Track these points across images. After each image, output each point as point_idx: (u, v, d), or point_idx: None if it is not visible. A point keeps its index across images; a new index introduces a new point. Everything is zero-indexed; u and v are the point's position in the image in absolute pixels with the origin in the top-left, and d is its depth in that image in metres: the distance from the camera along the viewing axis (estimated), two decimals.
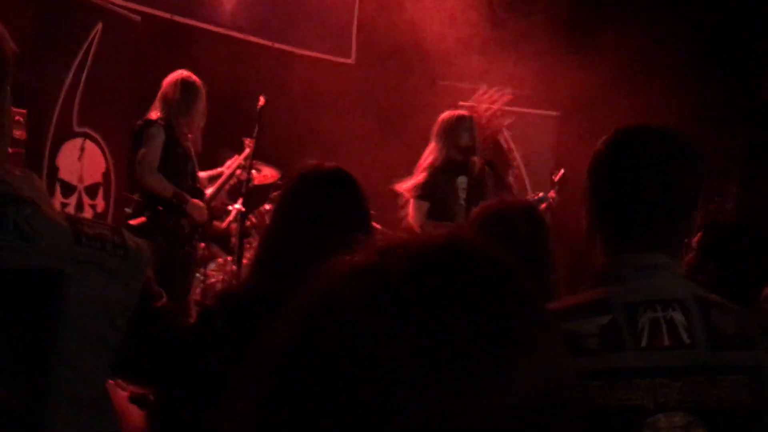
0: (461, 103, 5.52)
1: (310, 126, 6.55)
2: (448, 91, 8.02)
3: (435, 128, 4.94)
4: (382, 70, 7.42)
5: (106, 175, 5.26)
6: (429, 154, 4.90)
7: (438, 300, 0.61)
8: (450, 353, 0.58)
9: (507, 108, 7.55)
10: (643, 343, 1.35)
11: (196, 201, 4.90)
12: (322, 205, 2.05)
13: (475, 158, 4.79)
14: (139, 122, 4.85)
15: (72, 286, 1.26)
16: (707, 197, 3.31)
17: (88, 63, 4.97)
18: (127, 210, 5.77)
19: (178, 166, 4.85)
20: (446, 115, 4.97)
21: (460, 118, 4.89)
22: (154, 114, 4.82)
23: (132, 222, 5.83)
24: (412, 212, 4.83)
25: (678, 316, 1.37)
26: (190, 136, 4.94)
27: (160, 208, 4.85)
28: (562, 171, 5.44)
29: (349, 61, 7.65)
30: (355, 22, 7.63)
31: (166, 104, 4.81)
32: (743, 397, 1.35)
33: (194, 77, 4.93)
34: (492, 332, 0.61)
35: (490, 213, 2.37)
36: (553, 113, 7.62)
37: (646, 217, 1.47)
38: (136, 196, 5.93)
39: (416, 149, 6.66)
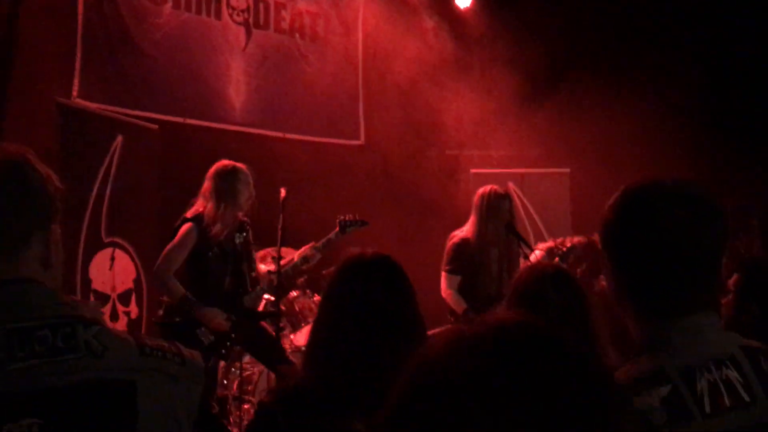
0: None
1: (330, 207, 6.66)
2: (457, 159, 8.17)
3: (475, 202, 4.99)
4: (392, 146, 7.57)
5: (137, 281, 5.37)
6: (468, 226, 4.97)
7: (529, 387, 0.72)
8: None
9: (520, 170, 7.70)
10: (707, 409, 1.32)
11: (210, 310, 4.43)
12: (370, 293, 2.06)
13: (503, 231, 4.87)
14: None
15: (142, 395, 1.35)
16: (731, 234, 3.32)
17: (112, 175, 5.14)
18: (159, 312, 5.88)
19: (208, 266, 4.49)
20: (486, 190, 4.99)
21: (501, 196, 4.94)
22: (191, 211, 4.55)
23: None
24: (444, 284, 4.90)
25: (732, 374, 1.35)
26: (245, 222, 4.64)
27: (177, 320, 4.53)
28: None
29: (359, 142, 7.83)
30: (361, 105, 7.84)
31: (202, 199, 4.53)
32: None
33: (231, 163, 4.61)
34: (579, 416, 0.71)
35: (522, 284, 2.41)
36: (565, 170, 7.72)
37: (681, 279, 1.40)
38: (165, 299, 6.04)
39: (431, 218, 6.75)
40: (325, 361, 2.04)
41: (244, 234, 4.68)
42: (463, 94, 7.65)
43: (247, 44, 6.99)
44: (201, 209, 4.48)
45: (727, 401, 1.34)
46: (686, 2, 7.40)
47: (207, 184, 4.53)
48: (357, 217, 4.86)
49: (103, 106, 5.66)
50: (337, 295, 2.15)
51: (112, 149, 5.18)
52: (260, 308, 5.55)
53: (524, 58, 7.83)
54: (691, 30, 7.40)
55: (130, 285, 5.32)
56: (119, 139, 5.24)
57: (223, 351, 4.52)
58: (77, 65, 5.72)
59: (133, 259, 5.33)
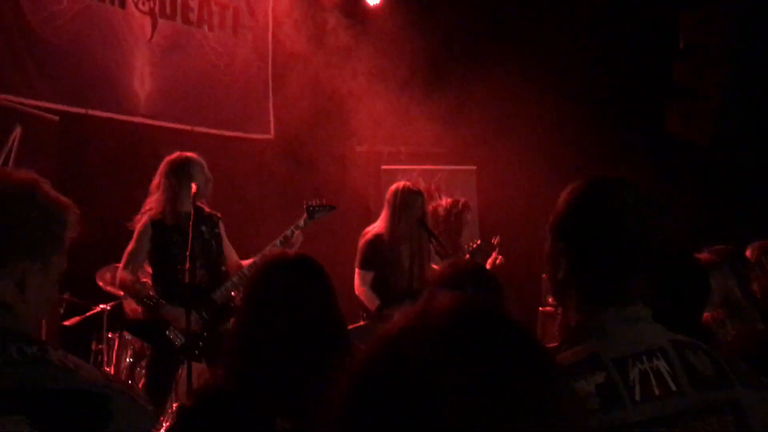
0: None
1: (240, 202, 6.57)
2: (368, 155, 8.22)
3: (388, 198, 4.99)
4: (301, 142, 7.54)
5: None
6: (380, 222, 4.98)
7: (476, 356, 0.75)
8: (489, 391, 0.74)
9: (429, 166, 7.83)
10: (637, 397, 1.38)
11: (175, 310, 4.24)
12: (290, 292, 2.06)
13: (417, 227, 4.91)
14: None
15: (115, 409, 1.41)
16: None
17: (10, 167, 4.91)
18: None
19: (172, 259, 4.32)
20: (400, 186, 5.00)
21: (414, 192, 4.96)
22: (144, 208, 4.47)
23: (66, 323, 5.73)
24: (357, 282, 4.91)
25: (662, 365, 1.42)
26: (215, 215, 4.53)
27: (148, 316, 4.38)
28: (498, 238, 5.66)
29: (268, 136, 7.75)
30: (271, 99, 7.76)
31: (155, 192, 4.46)
32: None
33: (180, 154, 4.52)
34: (518, 380, 0.75)
35: (441, 280, 2.46)
36: (472, 167, 7.90)
37: (626, 269, 1.47)
38: (66, 296, 5.81)
39: (343, 214, 6.78)
40: (246, 362, 2.03)
41: (214, 227, 4.55)
42: (372, 91, 7.69)
43: (153, 34, 6.79)
44: (153, 203, 4.40)
45: (656, 390, 1.41)
46: None
47: (157, 177, 4.45)
48: (324, 202, 4.71)
49: (0, 95, 5.40)
50: (258, 295, 2.14)
51: (11, 141, 4.94)
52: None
53: (432, 55, 7.95)
54: (591, 26, 7.69)
55: None
56: (18, 130, 5.00)
57: (196, 352, 4.27)
58: None
59: None
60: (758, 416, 1.44)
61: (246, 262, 4.63)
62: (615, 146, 7.38)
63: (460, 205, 5.72)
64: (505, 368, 0.75)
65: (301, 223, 4.63)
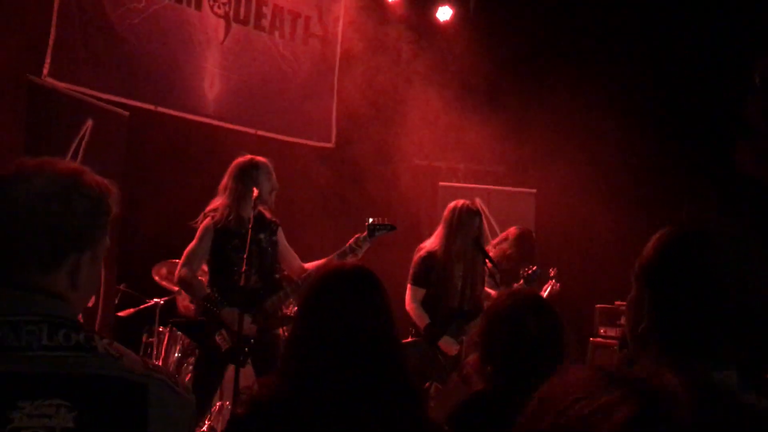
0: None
1: (295, 209, 6.63)
2: (426, 170, 8.21)
3: (446, 215, 4.94)
4: (361, 152, 7.58)
5: None
6: (435, 239, 4.95)
7: None
8: None
9: (487, 186, 7.78)
10: None
11: (232, 312, 4.22)
12: (346, 303, 2.06)
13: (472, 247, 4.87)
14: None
15: (153, 398, 1.44)
16: None
17: (79, 158, 5.03)
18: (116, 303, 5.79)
19: (229, 261, 4.33)
20: (458, 204, 4.95)
21: (472, 212, 4.90)
22: (209, 207, 4.49)
23: (120, 314, 5.85)
24: (408, 297, 4.88)
25: None
26: (274, 221, 4.53)
27: (200, 317, 4.40)
28: (555, 269, 5.60)
29: (330, 145, 7.81)
30: (335, 108, 7.83)
31: (221, 194, 4.47)
32: None
33: (250, 157, 4.53)
34: None
35: (499, 310, 2.42)
36: (532, 190, 7.80)
37: (716, 329, 1.36)
38: (122, 287, 5.94)
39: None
40: (299, 372, 2.03)
41: (273, 234, 4.55)
42: (434, 106, 7.69)
43: (225, 38, 6.92)
44: (218, 204, 4.43)
45: None
46: (652, 21, 7.54)
47: (225, 179, 4.48)
48: (386, 221, 4.62)
49: (73, 87, 5.54)
50: (314, 306, 2.14)
51: (82, 132, 5.07)
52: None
53: (496, 73, 7.92)
54: (662, 56, 7.56)
55: None
56: (89, 122, 5.13)
57: (241, 358, 4.24)
58: (50, 43, 5.60)
59: None
60: None
61: (309, 266, 4.65)
62: (680, 180, 7.23)
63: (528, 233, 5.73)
64: None
65: (361, 239, 4.55)
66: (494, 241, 6.00)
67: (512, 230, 5.92)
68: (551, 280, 5.52)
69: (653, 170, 7.38)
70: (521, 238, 5.81)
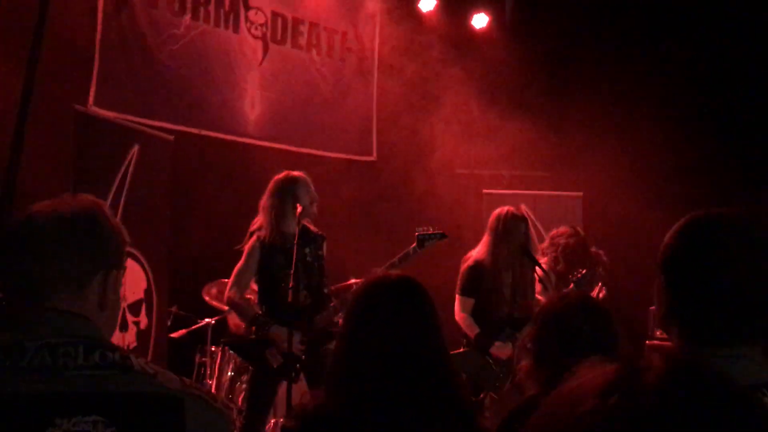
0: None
1: (342, 223, 6.65)
2: (468, 178, 8.16)
3: (491, 223, 4.91)
4: (404, 163, 7.58)
5: (147, 291, 5.35)
6: (482, 247, 4.91)
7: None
8: None
9: (533, 191, 7.69)
10: None
11: (283, 330, 4.17)
12: (395, 316, 2.03)
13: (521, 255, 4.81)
14: None
15: (189, 413, 1.48)
16: None
17: (127, 184, 5.13)
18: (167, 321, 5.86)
19: (276, 279, 4.34)
20: (503, 211, 4.92)
21: (518, 218, 4.87)
22: (253, 226, 4.52)
23: (173, 335, 5.93)
24: (458, 308, 4.85)
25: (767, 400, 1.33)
26: (319, 235, 4.53)
27: (251, 336, 4.45)
28: (602, 269, 5.49)
29: (371, 158, 7.83)
30: (375, 121, 7.85)
31: (262, 212, 4.50)
32: None
33: (287, 172, 4.55)
34: None
35: (550, 313, 2.38)
36: (578, 194, 7.70)
37: (729, 311, 1.42)
38: (174, 309, 6.02)
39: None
40: (347, 385, 2.02)
41: (318, 249, 4.55)
42: (476, 114, 7.65)
43: (263, 58, 7.00)
44: (260, 222, 4.47)
45: None
46: (691, 24, 7.39)
47: (264, 197, 4.52)
48: (435, 230, 4.56)
49: (119, 115, 5.67)
50: (359, 318, 2.12)
51: (129, 158, 5.17)
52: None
53: (537, 81, 7.85)
54: (699, 47, 7.40)
55: (141, 295, 5.29)
56: (135, 148, 5.23)
57: (293, 374, 4.22)
58: (95, 73, 5.73)
59: (144, 270, 5.31)
60: None
61: (342, 285, 4.65)
62: (730, 181, 7.05)
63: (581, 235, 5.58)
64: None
65: (410, 251, 4.50)
66: (542, 246, 5.86)
67: (562, 231, 5.71)
68: (600, 282, 5.40)
69: (701, 169, 7.22)
70: (571, 239, 5.63)
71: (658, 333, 6.62)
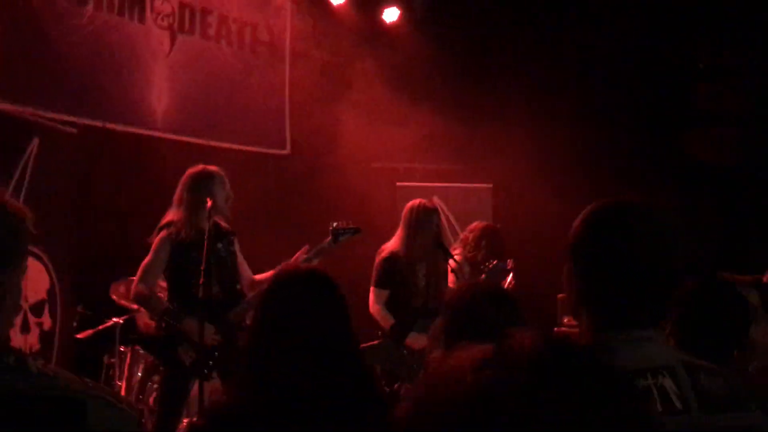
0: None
1: (255, 216, 6.56)
2: (382, 172, 8.20)
3: (404, 215, 4.94)
4: (317, 157, 7.54)
5: (51, 291, 5.14)
6: (396, 240, 4.94)
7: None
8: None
9: (444, 184, 7.80)
10: None
11: (194, 321, 4.09)
12: (302, 307, 2.02)
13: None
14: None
15: (92, 415, 1.43)
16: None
17: (27, 178, 4.92)
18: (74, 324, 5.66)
19: (188, 274, 4.24)
20: (416, 204, 4.95)
21: (430, 210, 4.91)
22: (164, 220, 4.41)
23: (79, 336, 5.72)
24: (372, 300, 4.87)
25: (668, 383, 1.39)
26: (230, 231, 4.46)
27: (162, 332, 4.31)
28: (512, 261, 5.59)
29: (285, 152, 7.76)
30: (288, 114, 7.78)
31: (176, 207, 4.40)
32: None
33: (202, 167, 4.47)
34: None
35: (459, 300, 2.42)
36: (488, 185, 7.86)
37: (633, 293, 1.47)
38: (80, 309, 5.81)
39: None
40: (257, 378, 2.00)
41: (230, 243, 4.48)
42: (388, 108, 7.69)
43: (171, 50, 6.82)
44: (173, 217, 4.35)
45: (659, 406, 1.38)
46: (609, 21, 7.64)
47: (178, 191, 4.40)
48: (350, 224, 4.56)
49: (16, 107, 5.41)
50: (270, 310, 2.10)
51: (28, 152, 4.96)
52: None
53: (448, 74, 7.95)
54: (612, 47, 7.66)
55: (44, 296, 5.09)
56: (35, 141, 5.02)
57: (206, 371, 4.15)
58: None
59: (47, 269, 5.10)
60: None
61: (259, 277, 4.59)
62: (635, 167, 7.33)
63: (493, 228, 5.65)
64: (605, 415, 0.73)
65: (325, 245, 4.51)
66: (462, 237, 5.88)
67: (475, 226, 5.81)
68: (511, 272, 5.52)
69: (606, 159, 7.48)
70: (484, 234, 5.72)
71: (565, 320, 6.82)
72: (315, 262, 4.38)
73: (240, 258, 4.61)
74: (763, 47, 7.25)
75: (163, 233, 4.34)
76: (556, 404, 0.71)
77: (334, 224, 4.55)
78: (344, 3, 7.87)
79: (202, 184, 4.36)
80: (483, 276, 4.98)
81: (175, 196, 4.44)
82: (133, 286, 4.38)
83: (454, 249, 5.28)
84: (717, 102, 7.29)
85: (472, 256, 5.42)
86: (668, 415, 1.37)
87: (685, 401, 1.40)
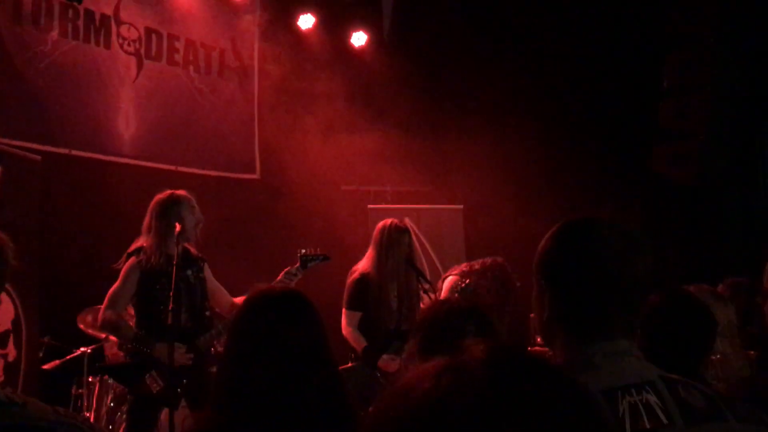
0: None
1: (226, 241, 6.50)
2: (354, 195, 8.20)
3: (375, 236, 4.92)
4: (287, 181, 7.51)
5: (15, 321, 5.02)
6: (367, 260, 4.91)
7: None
8: None
9: (415, 205, 7.81)
10: (628, 429, 1.38)
11: (165, 345, 4.03)
12: (276, 328, 1.98)
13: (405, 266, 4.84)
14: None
15: None
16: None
17: None
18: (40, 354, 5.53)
19: (157, 301, 4.18)
20: (387, 224, 4.93)
21: (401, 230, 4.89)
22: (133, 246, 4.33)
23: (46, 367, 5.59)
24: (344, 322, 4.82)
25: (652, 398, 1.42)
26: (200, 257, 4.41)
27: (129, 360, 4.25)
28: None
29: (254, 176, 7.72)
30: (257, 138, 7.75)
31: (145, 234, 4.33)
32: None
33: (170, 192, 4.40)
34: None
35: (435, 317, 2.39)
36: (459, 206, 7.88)
37: (610, 305, 1.51)
38: (46, 339, 5.69)
39: (329, 254, 6.73)
40: (231, 403, 1.95)
41: (199, 270, 4.42)
42: (358, 131, 7.70)
43: (138, 75, 6.78)
44: (143, 243, 4.28)
45: (646, 423, 1.41)
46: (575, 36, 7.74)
47: (147, 218, 4.34)
48: (318, 251, 4.57)
49: None
50: (243, 332, 2.06)
51: None
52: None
53: (418, 97, 7.99)
54: (577, 66, 7.75)
55: (8, 326, 4.96)
56: None
57: (174, 400, 4.08)
58: None
59: (12, 299, 4.99)
60: None
61: (239, 300, 4.54)
62: (601, 186, 7.40)
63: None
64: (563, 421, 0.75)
65: (293, 271, 4.50)
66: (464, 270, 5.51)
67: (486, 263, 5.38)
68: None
69: (573, 177, 7.54)
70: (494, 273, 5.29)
71: (539, 339, 6.83)
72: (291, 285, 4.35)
73: (213, 284, 4.55)
74: (724, 66, 7.40)
75: (132, 260, 4.27)
76: (511, 404, 0.74)
77: (302, 251, 4.55)
78: (312, 27, 7.89)
79: (170, 210, 4.31)
80: (456, 296, 4.96)
81: (144, 223, 4.38)
82: (100, 314, 4.29)
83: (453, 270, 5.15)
84: (680, 119, 7.41)
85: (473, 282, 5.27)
86: (656, 430, 1.40)
87: (669, 415, 1.43)
